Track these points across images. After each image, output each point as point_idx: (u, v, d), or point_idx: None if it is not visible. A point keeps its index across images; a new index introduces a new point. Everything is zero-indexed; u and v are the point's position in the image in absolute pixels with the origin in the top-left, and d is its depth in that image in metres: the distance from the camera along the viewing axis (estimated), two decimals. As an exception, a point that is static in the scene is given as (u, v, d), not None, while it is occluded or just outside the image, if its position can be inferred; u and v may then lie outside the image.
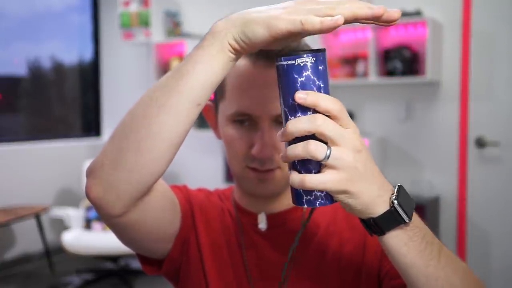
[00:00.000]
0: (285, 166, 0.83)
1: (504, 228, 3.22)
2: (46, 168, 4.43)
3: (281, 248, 0.89)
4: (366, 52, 3.49)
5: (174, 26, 4.44)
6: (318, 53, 0.56)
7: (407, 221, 0.58)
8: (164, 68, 4.46)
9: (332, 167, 0.55)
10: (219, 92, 0.87)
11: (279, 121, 0.82)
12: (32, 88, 4.88)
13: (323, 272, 0.86)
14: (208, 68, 0.63)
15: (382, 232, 0.59)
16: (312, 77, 0.56)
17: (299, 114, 0.56)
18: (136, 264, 4.10)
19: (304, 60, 0.55)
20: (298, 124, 0.55)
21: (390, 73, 3.39)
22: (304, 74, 0.56)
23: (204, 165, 4.41)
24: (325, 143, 0.55)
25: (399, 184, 0.60)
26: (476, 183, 3.25)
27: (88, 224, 3.72)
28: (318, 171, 0.56)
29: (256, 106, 0.81)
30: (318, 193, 0.58)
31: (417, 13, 3.30)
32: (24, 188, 4.26)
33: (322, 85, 0.56)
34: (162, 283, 3.98)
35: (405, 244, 0.59)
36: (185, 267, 0.93)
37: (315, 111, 0.55)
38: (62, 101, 5.22)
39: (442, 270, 0.61)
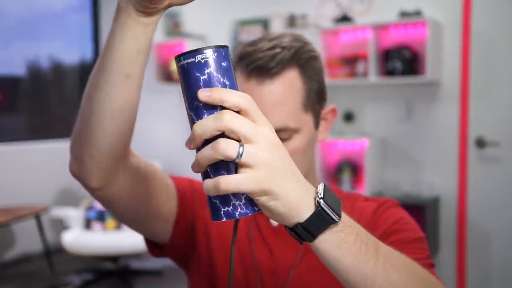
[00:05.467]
0: None
1: (504, 228, 3.22)
2: (46, 168, 4.42)
3: (291, 244, 0.90)
4: (366, 52, 3.49)
5: (174, 26, 4.44)
6: (220, 49, 0.51)
7: (337, 220, 0.54)
8: (164, 68, 4.46)
9: (248, 166, 0.49)
10: None
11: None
12: (31, 88, 4.88)
13: (330, 273, 0.86)
14: (122, 37, 0.65)
15: (312, 237, 0.54)
16: (215, 74, 0.51)
17: (205, 115, 0.51)
18: (136, 264, 4.10)
19: (204, 56, 0.50)
20: (205, 124, 0.50)
21: (390, 73, 3.39)
22: (206, 72, 0.50)
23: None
24: (238, 141, 0.50)
25: (324, 183, 0.56)
26: (476, 183, 3.25)
27: (88, 224, 3.72)
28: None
29: None
30: (237, 202, 0.51)
31: (417, 13, 3.30)
32: (24, 188, 4.26)
33: (227, 83, 0.51)
34: (162, 283, 3.94)
35: (338, 247, 0.54)
36: (193, 257, 0.95)
37: (222, 109, 0.50)
38: (62, 101, 5.22)
39: (381, 269, 0.56)
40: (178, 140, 4.59)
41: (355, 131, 3.69)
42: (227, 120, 0.49)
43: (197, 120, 0.51)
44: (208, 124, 0.49)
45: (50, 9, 4.93)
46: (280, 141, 0.53)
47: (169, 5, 0.63)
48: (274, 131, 0.53)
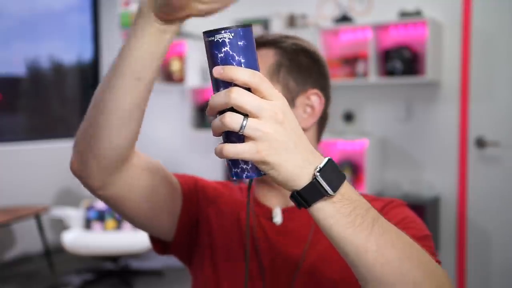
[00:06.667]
0: None
1: (504, 228, 3.22)
2: (46, 168, 4.42)
3: (295, 242, 0.90)
4: (366, 52, 3.49)
5: (174, 26, 4.44)
6: (237, 29, 0.56)
7: (331, 193, 0.57)
8: (164, 68, 4.46)
9: (251, 138, 0.55)
10: None
11: None
12: (31, 88, 4.88)
13: (336, 268, 0.87)
14: (138, 42, 0.67)
15: (307, 204, 0.59)
16: (231, 53, 0.56)
17: (221, 88, 0.57)
18: (136, 264, 4.10)
19: (222, 37, 0.56)
20: (217, 98, 0.55)
21: (390, 73, 3.39)
22: (223, 50, 0.56)
23: (202, 166, 4.41)
24: (246, 115, 0.55)
25: (329, 158, 0.59)
26: (476, 183, 3.25)
27: (88, 224, 3.72)
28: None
29: None
30: (244, 166, 0.59)
31: (417, 13, 3.30)
32: (24, 188, 4.25)
33: (243, 60, 0.56)
34: (162, 283, 3.94)
35: (332, 216, 0.58)
36: (197, 254, 0.96)
37: (236, 85, 0.55)
38: (62, 101, 5.22)
39: (374, 242, 0.59)
40: (179, 140, 4.59)
41: (355, 131, 3.69)
42: (233, 97, 0.54)
43: (215, 92, 0.57)
44: (219, 99, 0.55)
45: (50, 9, 4.93)
46: (289, 116, 0.57)
47: (188, 16, 0.66)
48: (287, 105, 0.57)
